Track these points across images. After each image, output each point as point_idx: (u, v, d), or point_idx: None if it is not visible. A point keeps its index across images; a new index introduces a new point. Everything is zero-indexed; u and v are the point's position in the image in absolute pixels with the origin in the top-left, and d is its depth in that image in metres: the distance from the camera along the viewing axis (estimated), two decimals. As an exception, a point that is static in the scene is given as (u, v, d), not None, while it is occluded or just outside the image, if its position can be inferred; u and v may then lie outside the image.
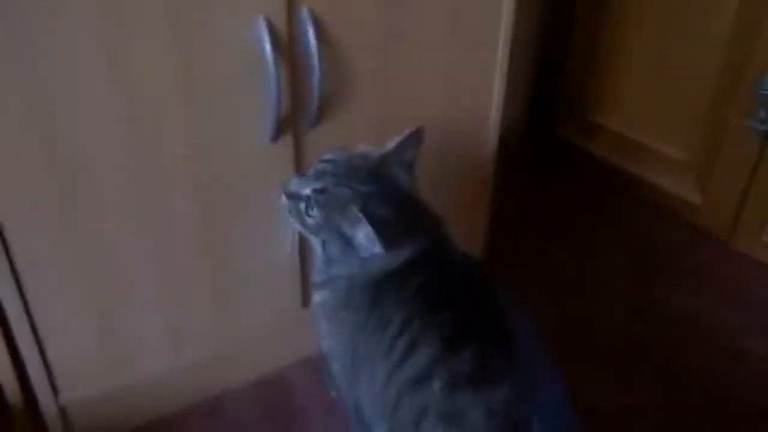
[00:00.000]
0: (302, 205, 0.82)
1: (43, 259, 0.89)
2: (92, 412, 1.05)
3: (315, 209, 0.81)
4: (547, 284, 1.41)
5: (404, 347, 0.76)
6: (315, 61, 0.92)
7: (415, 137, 0.84)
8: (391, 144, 0.84)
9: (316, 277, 0.89)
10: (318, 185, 0.81)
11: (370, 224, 0.76)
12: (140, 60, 0.83)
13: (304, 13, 0.90)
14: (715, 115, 1.49)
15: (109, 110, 0.84)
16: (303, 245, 1.08)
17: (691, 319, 1.34)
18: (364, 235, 0.78)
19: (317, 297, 0.88)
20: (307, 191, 0.82)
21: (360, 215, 0.77)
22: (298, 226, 0.85)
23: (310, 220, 0.82)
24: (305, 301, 1.14)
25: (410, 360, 0.75)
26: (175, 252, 0.98)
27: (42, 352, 0.95)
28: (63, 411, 1.02)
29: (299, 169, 1.00)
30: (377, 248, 0.77)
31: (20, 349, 0.94)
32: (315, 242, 0.86)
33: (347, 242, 0.81)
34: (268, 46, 0.87)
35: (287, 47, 0.90)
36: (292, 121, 0.96)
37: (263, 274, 1.08)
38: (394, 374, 0.77)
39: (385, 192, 0.81)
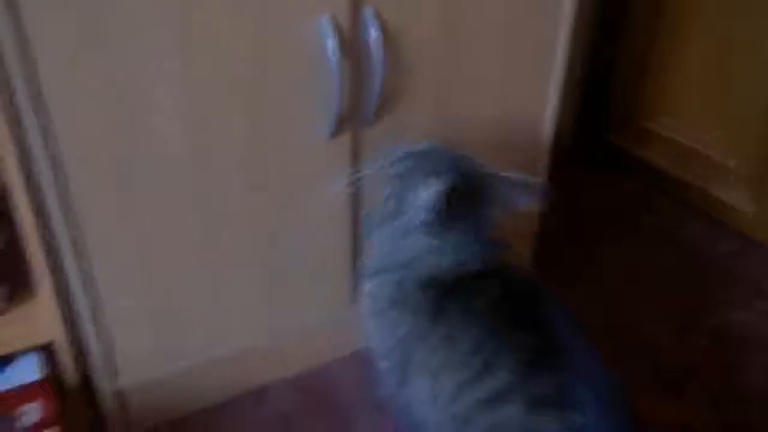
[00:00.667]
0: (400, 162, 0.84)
1: (108, 248, 0.92)
2: (146, 398, 1.08)
3: (402, 164, 0.83)
4: (594, 292, 1.39)
5: (478, 366, 0.76)
6: (377, 59, 0.93)
7: (534, 188, 0.86)
8: (507, 172, 0.85)
9: (368, 266, 0.90)
10: (420, 149, 0.84)
11: (436, 192, 0.77)
12: (206, 54, 0.85)
13: (369, 12, 0.91)
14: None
15: (176, 104, 0.86)
16: (355, 240, 1.10)
17: (743, 331, 1.31)
18: (424, 197, 0.78)
19: (367, 287, 0.89)
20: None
21: (434, 180, 0.78)
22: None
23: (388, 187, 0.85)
24: (354, 297, 1.15)
25: (486, 380, 0.75)
26: (230, 244, 1.01)
27: (104, 335, 0.98)
28: (121, 395, 1.05)
29: (356, 166, 1.02)
30: (425, 214, 0.78)
31: (83, 331, 0.97)
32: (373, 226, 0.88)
33: (404, 218, 0.82)
34: (331, 44, 0.88)
35: (350, 45, 0.91)
36: (351, 118, 0.97)
37: (314, 268, 1.10)
38: (465, 390, 0.77)
39: (467, 193, 0.82)
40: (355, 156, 1.01)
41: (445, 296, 0.82)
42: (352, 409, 1.15)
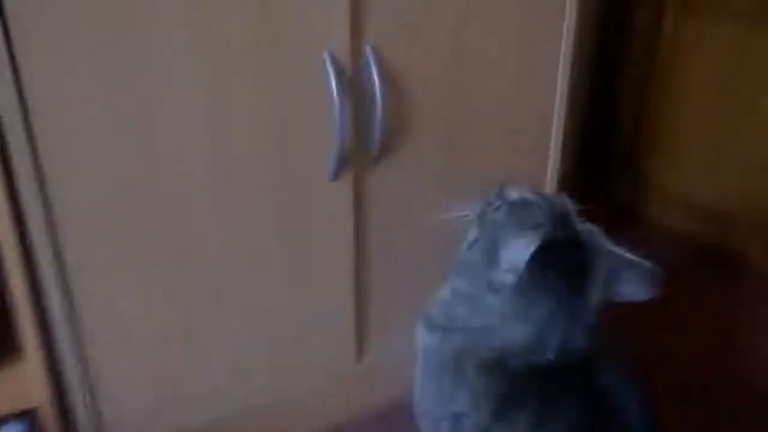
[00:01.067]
0: (491, 208, 0.73)
1: (102, 309, 0.87)
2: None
3: (499, 211, 0.72)
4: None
5: None
6: (377, 96, 0.90)
7: (651, 275, 0.71)
8: (626, 254, 0.72)
9: (430, 313, 0.79)
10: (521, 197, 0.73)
11: (534, 251, 0.65)
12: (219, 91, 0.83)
13: (369, 50, 0.89)
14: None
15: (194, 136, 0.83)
16: (358, 292, 1.05)
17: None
18: (518, 254, 0.66)
19: (422, 337, 0.79)
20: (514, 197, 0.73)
21: (533, 235, 0.66)
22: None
23: (473, 232, 0.73)
24: (359, 354, 1.09)
25: None
26: (228, 300, 0.96)
27: (94, 399, 0.91)
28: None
29: (359, 208, 0.98)
30: (516, 274, 0.66)
31: (71, 396, 0.90)
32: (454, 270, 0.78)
33: (490, 273, 0.70)
34: (333, 81, 0.86)
35: (351, 83, 0.89)
36: (355, 158, 0.94)
37: (317, 322, 1.04)
38: None
39: (569, 259, 0.70)
40: (359, 198, 0.98)
41: (516, 396, 0.70)
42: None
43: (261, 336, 1.00)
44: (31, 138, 0.74)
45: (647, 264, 0.71)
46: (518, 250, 0.66)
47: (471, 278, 0.73)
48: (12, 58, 0.70)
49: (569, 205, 0.75)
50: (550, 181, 1.17)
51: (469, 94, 1.02)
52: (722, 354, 1.33)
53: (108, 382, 0.91)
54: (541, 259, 0.66)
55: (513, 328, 0.70)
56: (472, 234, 0.74)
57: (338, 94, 0.87)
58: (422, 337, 0.79)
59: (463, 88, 1.01)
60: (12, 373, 0.90)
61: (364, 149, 0.95)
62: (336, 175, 0.93)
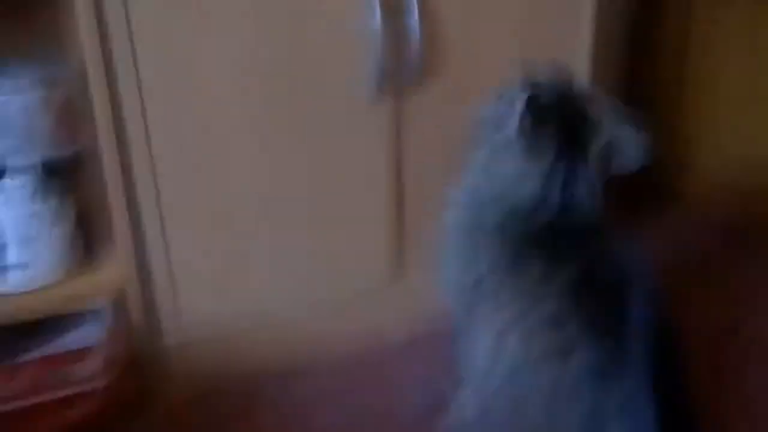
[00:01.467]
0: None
1: (183, 212, 1.04)
2: (204, 356, 1.13)
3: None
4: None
5: (551, 342, 0.75)
6: (416, 24, 1.05)
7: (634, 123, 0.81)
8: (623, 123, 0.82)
9: (452, 194, 0.89)
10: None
11: (522, 109, 0.77)
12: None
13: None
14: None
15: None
16: (397, 210, 1.17)
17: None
18: (517, 106, 0.78)
19: (447, 216, 0.89)
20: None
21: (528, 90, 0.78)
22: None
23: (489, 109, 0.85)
24: (397, 273, 1.21)
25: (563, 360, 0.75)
26: (284, 210, 1.10)
27: (173, 291, 1.08)
28: (181, 350, 1.11)
29: (399, 131, 1.12)
30: (517, 125, 0.77)
31: (153, 286, 1.06)
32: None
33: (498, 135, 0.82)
34: (377, 7, 1.01)
35: (392, 9, 1.03)
36: (393, 84, 1.08)
37: (359, 234, 1.17)
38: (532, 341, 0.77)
39: (567, 116, 0.80)
40: (398, 121, 1.11)
41: (526, 252, 0.80)
42: (404, 387, 1.14)
43: (306, 246, 1.14)
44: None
45: (639, 134, 0.81)
46: (517, 105, 0.79)
47: (485, 146, 0.86)
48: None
49: (578, 84, 0.86)
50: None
51: (491, 23, 1.14)
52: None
53: (183, 278, 1.07)
54: (539, 115, 0.78)
55: (521, 186, 0.81)
56: (487, 111, 0.86)
57: (380, 17, 1.01)
58: (448, 216, 0.91)
59: (486, 21, 1.13)
60: (103, 262, 1.08)
61: (403, 73, 1.08)
62: (375, 98, 1.07)
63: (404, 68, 1.08)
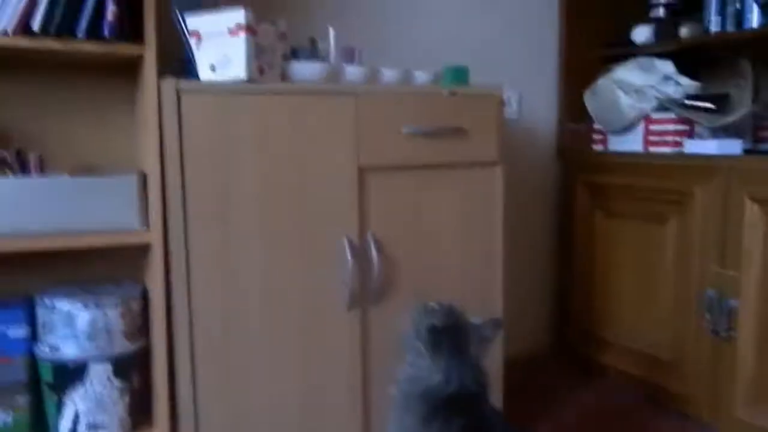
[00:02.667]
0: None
1: (215, 399, 1.47)
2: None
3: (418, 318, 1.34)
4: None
5: None
6: (375, 261, 1.57)
7: (496, 323, 1.36)
8: (477, 319, 1.35)
9: (398, 376, 1.35)
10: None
11: (426, 332, 1.29)
12: (278, 257, 1.50)
13: (369, 236, 1.58)
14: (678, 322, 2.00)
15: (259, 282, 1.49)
16: (364, 399, 1.60)
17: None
18: (422, 331, 1.30)
19: (394, 390, 1.34)
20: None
21: (429, 318, 1.31)
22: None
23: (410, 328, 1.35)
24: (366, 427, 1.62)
25: None
26: (282, 382, 1.54)
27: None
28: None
29: (366, 333, 1.59)
30: (422, 342, 1.28)
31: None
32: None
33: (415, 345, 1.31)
34: (348, 253, 1.53)
35: (360, 254, 1.56)
36: (361, 299, 1.58)
37: (331, 404, 1.59)
38: None
39: (452, 330, 1.30)
40: (365, 327, 1.59)
41: (435, 410, 1.24)
42: None
43: (294, 414, 1.56)
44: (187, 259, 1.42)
45: (491, 320, 1.35)
46: (421, 329, 1.31)
47: (411, 351, 1.34)
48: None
49: (458, 308, 1.37)
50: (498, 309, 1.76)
51: (432, 257, 1.67)
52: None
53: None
54: (438, 334, 1.29)
55: (433, 374, 1.28)
56: (410, 329, 1.37)
57: (352, 258, 1.53)
58: (393, 389, 1.37)
59: (428, 255, 1.66)
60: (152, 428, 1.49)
61: (368, 292, 1.59)
62: (349, 307, 1.56)
63: (369, 289, 1.59)
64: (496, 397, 1.77)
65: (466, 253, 1.72)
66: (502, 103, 1.72)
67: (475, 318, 1.36)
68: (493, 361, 1.76)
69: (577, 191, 2.35)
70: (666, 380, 2.04)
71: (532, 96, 2.39)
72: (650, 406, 2.05)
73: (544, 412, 2.02)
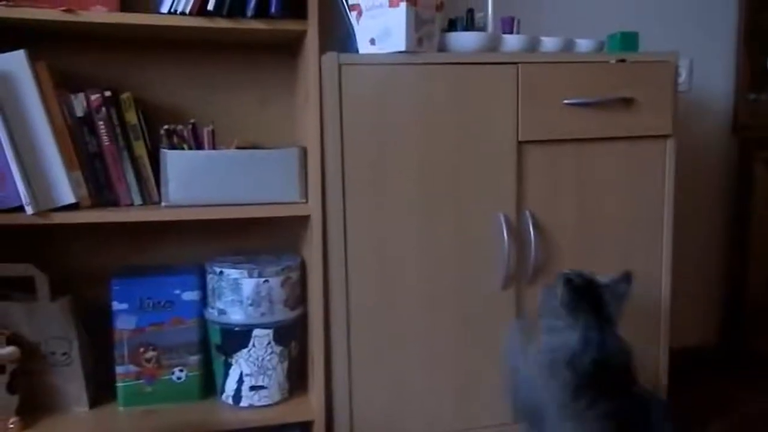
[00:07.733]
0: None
1: (366, 361, 1.49)
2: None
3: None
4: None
5: None
6: (532, 240, 1.50)
7: (627, 277, 1.33)
8: (606, 278, 1.33)
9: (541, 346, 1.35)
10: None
11: (563, 287, 1.27)
12: (434, 236, 1.48)
13: (527, 213, 1.51)
14: None
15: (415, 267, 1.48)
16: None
17: None
18: (558, 290, 1.28)
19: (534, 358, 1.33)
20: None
21: (563, 280, 1.29)
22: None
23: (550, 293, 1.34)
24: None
25: None
26: (437, 351, 1.52)
27: (352, 420, 1.50)
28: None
29: (520, 310, 1.53)
30: (558, 301, 1.25)
31: (337, 416, 1.49)
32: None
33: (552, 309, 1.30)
34: (504, 231, 1.48)
35: (516, 232, 1.50)
36: (516, 278, 1.52)
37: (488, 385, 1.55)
38: None
39: (588, 291, 1.29)
40: (519, 304, 1.53)
41: (582, 383, 1.21)
42: None
43: (453, 381, 1.54)
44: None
45: (622, 274, 1.32)
46: (558, 288, 1.29)
47: (549, 314, 1.31)
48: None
49: (600, 278, 1.33)
50: (665, 288, 1.64)
51: (592, 235, 1.57)
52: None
53: (360, 407, 1.50)
54: (575, 294, 1.27)
55: (570, 336, 1.24)
56: (546, 292, 1.34)
57: (508, 236, 1.48)
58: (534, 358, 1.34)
59: (588, 233, 1.56)
60: (302, 398, 1.54)
61: (523, 272, 1.53)
62: (504, 286, 1.51)
63: (525, 268, 1.52)
64: (660, 392, 1.65)
65: (631, 234, 1.60)
66: (676, 71, 1.57)
67: (602, 277, 1.32)
68: (660, 351, 1.65)
69: (755, 170, 2.11)
70: None
71: (705, 64, 2.17)
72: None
73: (713, 411, 1.85)
